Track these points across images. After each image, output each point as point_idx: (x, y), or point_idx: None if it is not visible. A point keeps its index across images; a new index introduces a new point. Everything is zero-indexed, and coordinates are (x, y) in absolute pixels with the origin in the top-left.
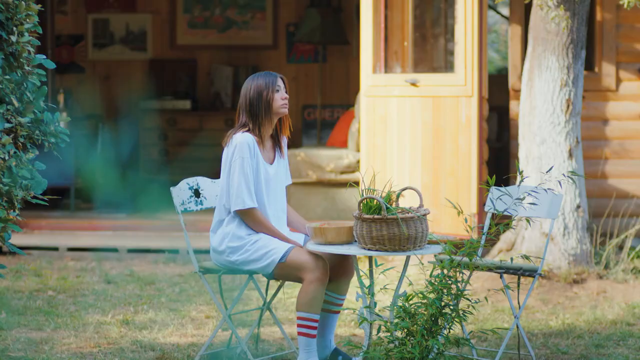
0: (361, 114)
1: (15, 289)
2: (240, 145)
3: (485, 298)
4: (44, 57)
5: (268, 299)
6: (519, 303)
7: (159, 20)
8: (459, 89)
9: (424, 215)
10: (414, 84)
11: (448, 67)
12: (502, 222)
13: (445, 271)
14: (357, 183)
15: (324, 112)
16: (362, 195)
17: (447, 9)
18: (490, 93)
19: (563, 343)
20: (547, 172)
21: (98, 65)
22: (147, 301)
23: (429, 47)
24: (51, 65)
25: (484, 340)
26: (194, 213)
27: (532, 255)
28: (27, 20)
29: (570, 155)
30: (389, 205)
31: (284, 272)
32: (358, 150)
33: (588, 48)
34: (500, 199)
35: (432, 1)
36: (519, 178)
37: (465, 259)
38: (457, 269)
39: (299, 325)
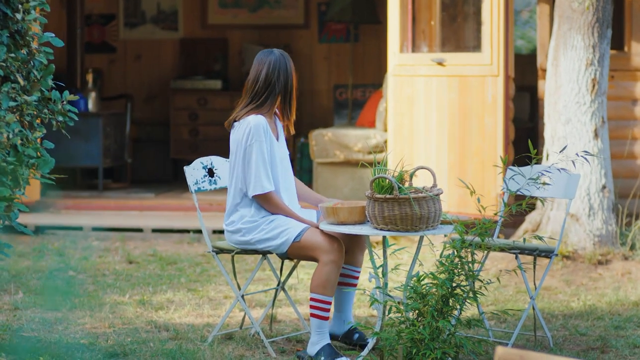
0: (388, 94)
1: (35, 269)
2: (255, 128)
3: (498, 279)
4: (52, 35)
5: (282, 279)
6: (534, 284)
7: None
8: (484, 68)
9: (437, 195)
10: (440, 64)
11: (475, 46)
12: (522, 203)
13: (456, 251)
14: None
15: (356, 92)
16: (374, 174)
17: None
18: (524, 73)
19: (583, 324)
20: (560, 151)
21: (129, 45)
22: (166, 281)
23: (457, 26)
24: (59, 43)
25: (503, 322)
26: (209, 192)
27: (556, 236)
28: None
29: (596, 135)
30: (400, 185)
31: (298, 251)
32: (386, 130)
33: (617, 27)
34: (514, 179)
35: None
36: (533, 159)
37: (477, 239)
38: (469, 250)
39: (312, 307)
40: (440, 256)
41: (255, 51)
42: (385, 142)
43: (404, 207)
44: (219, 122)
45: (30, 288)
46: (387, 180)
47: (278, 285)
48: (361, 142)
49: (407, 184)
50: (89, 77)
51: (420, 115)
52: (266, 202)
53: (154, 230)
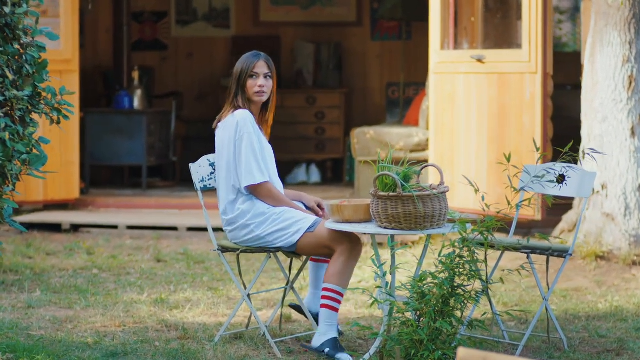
0: (429, 92)
1: (61, 267)
2: (243, 120)
3: (501, 279)
4: (49, 28)
5: (292, 278)
6: (548, 285)
7: None
8: (523, 65)
9: (443, 192)
10: (479, 61)
11: (514, 43)
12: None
13: (457, 250)
14: (426, 161)
15: (409, 90)
16: (378, 171)
17: None
18: (575, 70)
19: (605, 326)
20: (565, 148)
21: (181, 43)
22: (189, 280)
23: (498, 23)
24: (54, 37)
25: (524, 323)
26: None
27: (592, 236)
28: None
29: (633, 133)
30: (403, 182)
31: (310, 242)
32: (428, 128)
33: None
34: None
35: None
36: (536, 155)
37: (479, 237)
38: (470, 248)
39: (324, 297)
40: (439, 255)
41: (307, 49)
42: (427, 140)
43: (407, 205)
44: None
45: (50, 286)
46: (391, 177)
47: (287, 284)
48: (403, 140)
49: (414, 181)
50: (135, 75)
51: (460, 113)
52: (262, 193)
53: (189, 229)
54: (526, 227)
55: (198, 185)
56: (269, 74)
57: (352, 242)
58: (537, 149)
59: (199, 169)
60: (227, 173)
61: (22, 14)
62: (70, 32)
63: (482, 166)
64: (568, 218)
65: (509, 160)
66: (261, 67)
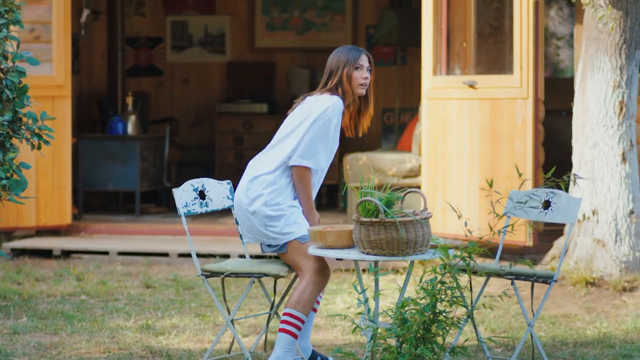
0: (422, 117)
1: (49, 293)
2: (337, 107)
3: (484, 305)
4: (30, 54)
5: (276, 303)
6: (532, 311)
7: (237, 22)
8: (514, 91)
9: (425, 218)
10: (472, 86)
11: (506, 68)
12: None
13: (439, 276)
14: (419, 187)
15: (404, 116)
16: (360, 197)
17: (504, 9)
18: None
19: (592, 352)
20: (547, 173)
21: (176, 68)
22: (177, 306)
23: (489, 48)
24: (35, 62)
25: (510, 349)
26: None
27: (583, 262)
28: (7, 15)
29: (624, 159)
30: (386, 208)
31: (293, 252)
32: (421, 154)
33: None
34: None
35: (494, 1)
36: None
37: (461, 263)
38: (451, 274)
39: (286, 322)
40: (420, 281)
41: (302, 75)
42: (420, 166)
43: (390, 231)
44: (264, 146)
45: (37, 312)
46: (374, 203)
47: (271, 309)
48: (396, 166)
49: (398, 207)
50: (129, 100)
51: (452, 138)
52: (302, 177)
53: (181, 255)
54: (518, 253)
55: (182, 210)
56: (370, 69)
57: (324, 276)
58: (520, 175)
59: (182, 194)
60: (287, 139)
61: (2, 39)
62: (62, 57)
63: (474, 192)
64: (559, 244)
65: (491, 185)
66: (365, 60)
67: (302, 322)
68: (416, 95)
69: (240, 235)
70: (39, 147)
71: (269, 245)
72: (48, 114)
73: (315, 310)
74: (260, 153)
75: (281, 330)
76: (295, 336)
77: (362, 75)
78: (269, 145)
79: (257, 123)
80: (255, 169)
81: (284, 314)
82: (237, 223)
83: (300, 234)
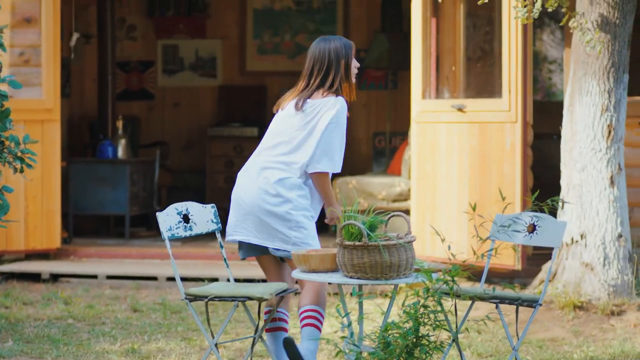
0: (412, 141)
1: (36, 317)
2: (344, 108)
3: (467, 329)
4: (13, 77)
5: (260, 327)
6: (517, 334)
7: (228, 46)
8: (503, 114)
9: (409, 242)
10: (460, 110)
11: (495, 92)
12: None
13: (422, 300)
14: (407, 211)
15: (395, 140)
16: (343, 220)
17: (493, 33)
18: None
19: None
20: (532, 197)
21: (168, 92)
22: (164, 330)
23: (478, 72)
24: (17, 85)
25: None
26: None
27: (571, 286)
28: None
29: (612, 182)
30: (369, 232)
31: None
32: (410, 178)
33: None
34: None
35: (483, 25)
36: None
37: (444, 287)
38: (434, 298)
39: (314, 318)
40: (403, 305)
41: None
42: (409, 190)
43: (373, 255)
44: None
45: (24, 336)
46: (357, 227)
47: (255, 333)
48: (385, 190)
49: (382, 230)
50: (119, 124)
51: (441, 162)
52: (323, 181)
53: (169, 279)
54: (508, 277)
55: (165, 234)
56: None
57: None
58: (503, 198)
59: (166, 218)
60: (304, 147)
61: None
62: (51, 81)
63: (463, 215)
64: (547, 268)
65: (474, 209)
66: (354, 48)
67: (322, 316)
68: (407, 119)
69: (223, 233)
70: (22, 171)
71: (277, 249)
72: (37, 138)
73: (286, 329)
74: (264, 151)
75: (311, 325)
76: (319, 329)
77: (356, 65)
78: (270, 144)
79: (248, 147)
80: (277, 171)
81: (303, 311)
82: (234, 221)
83: (316, 247)
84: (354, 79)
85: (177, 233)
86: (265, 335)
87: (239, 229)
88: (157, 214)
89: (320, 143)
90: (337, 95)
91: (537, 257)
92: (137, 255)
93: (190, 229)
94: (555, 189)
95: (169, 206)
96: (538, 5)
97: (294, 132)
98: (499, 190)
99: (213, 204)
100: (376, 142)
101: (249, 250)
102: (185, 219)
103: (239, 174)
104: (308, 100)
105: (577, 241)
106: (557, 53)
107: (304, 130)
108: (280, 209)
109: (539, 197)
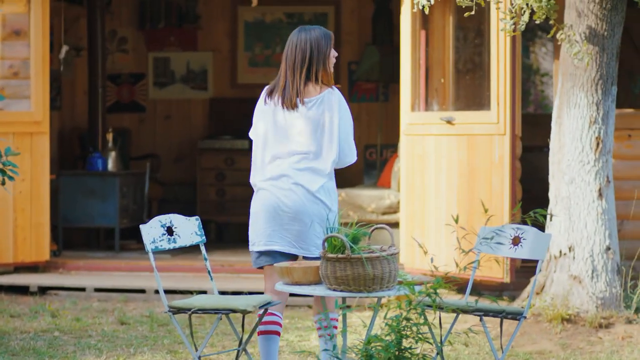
0: (401, 153)
1: (23, 330)
2: (341, 96)
3: (449, 341)
4: None
5: (245, 339)
6: (501, 347)
7: (219, 59)
8: (492, 127)
9: (392, 255)
10: (449, 122)
11: (484, 104)
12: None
13: (404, 312)
14: (397, 224)
15: (386, 152)
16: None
17: (482, 45)
18: None
19: None
20: (514, 209)
21: (159, 105)
22: (150, 343)
23: (467, 84)
24: (0, 98)
25: None
26: (218, 254)
27: (559, 298)
28: None
29: (600, 195)
30: (352, 244)
31: None
32: (400, 190)
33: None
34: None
35: (472, 38)
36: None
37: (427, 299)
38: (416, 311)
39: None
40: (385, 317)
41: None
42: (399, 202)
43: (356, 267)
44: (245, 182)
45: (9, 348)
46: (340, 239)
47: (239, 346)
48: (375, 202)
49: (366, 243)
50: (109, 137)
51: (430, 174)
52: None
53: (157, 292)
54: (497, 290)
55: (149, 247)
56: None
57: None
58: (486, 210)
59: (150, 230)
60: (329, 144)
61: None
62: (40, 93)
63: (452, 228)
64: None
65: (457, 221)
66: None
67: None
68: (398, 131)
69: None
70: (3, 183)
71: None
72: (26, 151)
73: (279, 333)
74: (285, 157)
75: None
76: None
77: (335, 55)
78: (286, 150)
79: (238, 159)
80: (310, 177)
81: (332, 319)
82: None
83: None
84: (332, 69)
85: (161, 245)
86: (258, 340)
87: (276, 239)
88: (141, 226)
89: (341, 139)
90: (330, 87)
91: (527, 269)
92: (127, 268)
93: (174, 241)
94: (546, 202)
95: (153, 218)
96: (525, 17)
97: (308, 136)
98: (487, 203)
99: (197, 217)
100: (367, 154)
101: (275, 258)
102: (169, 231)
103: (263, 184)
104: (305, 99)
105: (565, 254)
106: (550, 65)
107: (317, 131)
108: (324, 216)
109: (529, 210)
